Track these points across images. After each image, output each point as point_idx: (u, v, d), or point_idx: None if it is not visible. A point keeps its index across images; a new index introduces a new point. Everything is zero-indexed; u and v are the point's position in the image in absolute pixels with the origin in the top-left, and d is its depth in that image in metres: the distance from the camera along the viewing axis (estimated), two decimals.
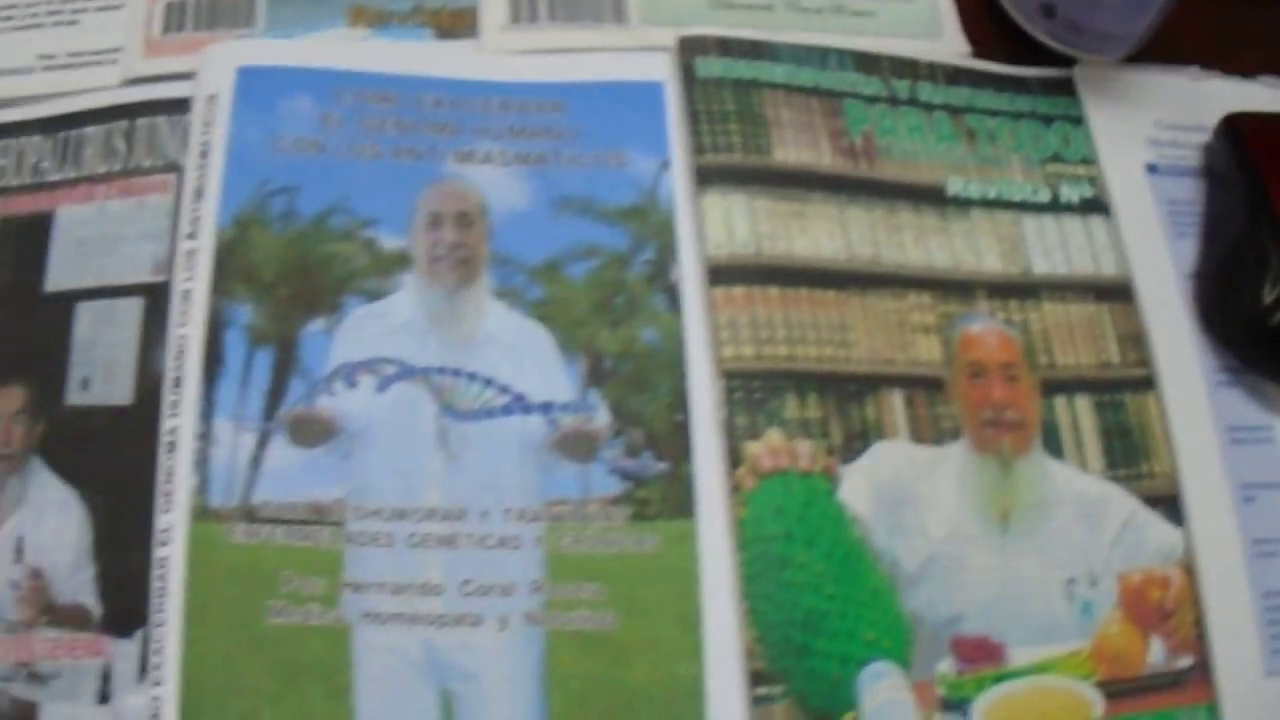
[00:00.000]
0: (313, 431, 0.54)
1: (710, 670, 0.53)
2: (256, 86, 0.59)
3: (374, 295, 0.57)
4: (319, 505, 0.53)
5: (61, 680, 0.54)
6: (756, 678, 0.53)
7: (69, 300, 0.59)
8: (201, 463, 0.54)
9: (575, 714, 0.52)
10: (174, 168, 0.61)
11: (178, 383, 0.55)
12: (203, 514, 0.53)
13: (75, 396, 0.58)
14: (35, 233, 0.61)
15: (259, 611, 0.52)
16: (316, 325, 0.56)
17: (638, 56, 0.61)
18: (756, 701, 0.52)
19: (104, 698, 0.54)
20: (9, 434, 0.58)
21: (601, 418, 0.55)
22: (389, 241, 0.57)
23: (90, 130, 0.62)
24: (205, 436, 0.54)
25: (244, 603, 0.52)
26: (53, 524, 0.56)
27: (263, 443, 0.54)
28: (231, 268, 0.56)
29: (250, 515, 0.53)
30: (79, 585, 0.55)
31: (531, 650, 0.53)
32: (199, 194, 0.57)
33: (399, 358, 0.56)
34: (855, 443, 0.56)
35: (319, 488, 0.54)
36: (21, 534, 0.56)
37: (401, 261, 0.57)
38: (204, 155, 0.58)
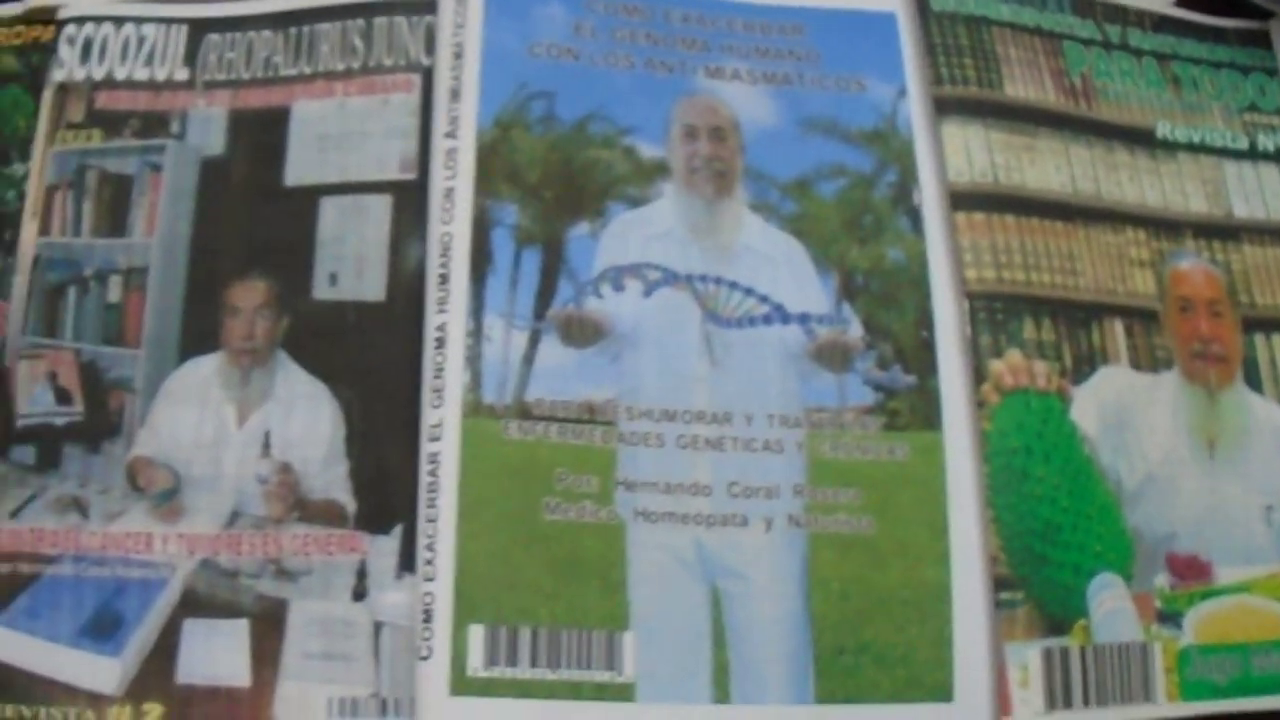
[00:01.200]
0: (584, 332, 0.53)
1: (956, 575, 0.53)
2: None
3: (635, 202, 0.56)
4: (592, 404, 0.53)
5: (313, 577, 0.53)
6: (999, 583, 0.54)
7: (312, 195, 0.57)
8: (473, 359, 0.52)
9: (834, 614, 0.52)
10: (416, 67, 0.58)
11: (444, 279, 0.53)
12: (475, 410, 0.52)
13: (322, 291, 0.56)
14: (271, 127, 0.58)
15: (535, 508, 0.51)
16: (581, 228, 0.55)
17: None
18: (1000, 605, 0.53)
19: (359, 595, 0.52)
20: (253, 327, 0.55)
21: (855, 330, 0.55)
22: (647, 150, 0.56)
23: (325, 27, 0.60)
24: (476, 334, 0.53)
25: (519, 499, 0.51)
26: (302, 419, 0.54)
27: (534, 341, 0.53)
28: (494, 168, 0.55)
29: (524, 412, 0.52)
30: (331, 481, 0.53)
31: (795, 551, 0.52)
32: (455, 94, 0.55)
33: (663, 264, 0.55)
34: (1083, 366, 0.57)
35: (591, 387, 0.53)
36: (268, 428, 0.54)
37: (661, 170, 0.56)
38: (458, 57, 0.56)
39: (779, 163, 0.57)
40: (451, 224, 0.54)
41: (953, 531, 0.54)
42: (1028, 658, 0.53)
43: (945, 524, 0.54)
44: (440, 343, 0.53)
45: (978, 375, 0.56)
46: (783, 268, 0.56)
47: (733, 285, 0.55)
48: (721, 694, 0.51)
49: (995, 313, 0.56)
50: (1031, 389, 0.56)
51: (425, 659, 0.50)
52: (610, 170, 0.56)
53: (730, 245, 0.56)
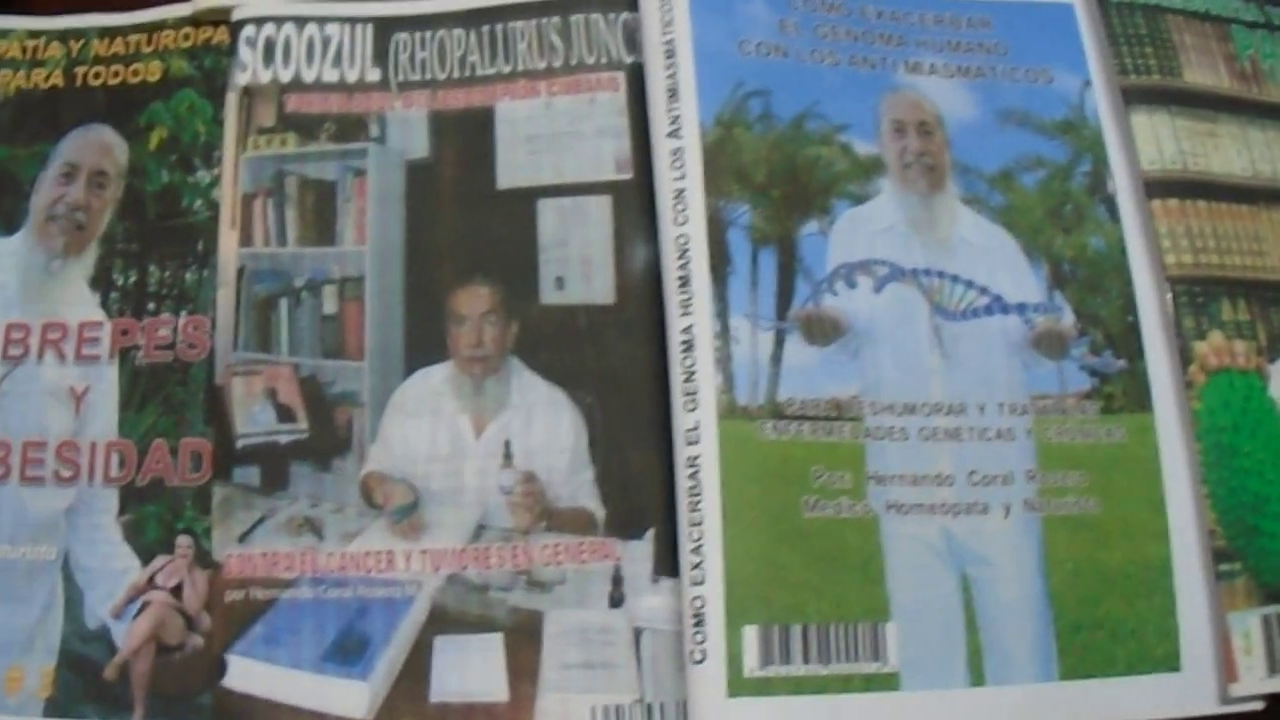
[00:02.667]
0: (824, 330, 0.52)
1: (1177, 550, 0.53)
2: None
3: (857, 198, 0.54)
4: (838, 401, 0.51)
5: (567, 586, 0.51)
6: (1218, 555, 0.54)
7: (528, 197, 0.54)
8: (723, 361, 0.51)
9: (1070, 594, 0.52)
10: (619, 65, 0.56)
11: (684, 282, 0.51)
12: (731, 412, 0.50)
13: (550, 295, 0.53)
14: (476, 128, 0.55)
15: (795, 506, 0.50)
16: (811, 226, 0.53)
17: None
18: (1220, 577, 0.53)
19: (616, 601, 0.50)
20: (481, 334, 0.53)
21: (1068, 318, 0.55)
22: (862, 147, 0.55)
23: (519, 24, 0.57)
24: (723, 335, 0.51)
25: (780, 498, 0.50)
26: (543, 426, 0.52)
27: (779, 341, 0.51)
28: (722, 167, 0.53)
29: (778, 412, 0.50)
30: (578, 488, 0.51)
31: (1032, 535, 0.52)
32: (673, 93, 0.53)
33: (889, 259, 0.53)
34: (1277, 344, 0.57)
35: (836, 385, 0.51)
36: (508, 437, 0.52)
37: (877, 166, 0.55)
38: (670, 55, 0.54)
39: (983, 155, 0.56)
40: (686, 225, 0.52)
41: (1171, 508, 0.54)
42: (1249, 625, 0.53)
43: (1163, 501, 0.54)
44: (688, 346, 0.51)
45: (1183, 357, 0.56)
46: (997, 259, 0.55)
47: (954, 278, 0.54)
48: (977, 677, 0.50)
49: (1195, 296, 0.56)
50: (1233, 368, 0.56)
51: (699, 662, 0.48)
52: (831, 167, 0.54)
53: (948, 238, 0.55)
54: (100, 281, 0.56)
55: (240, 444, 0.52)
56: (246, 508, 0.51)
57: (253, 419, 0.52)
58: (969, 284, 0.54)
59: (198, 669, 0.51)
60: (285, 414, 0.52)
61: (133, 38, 0.60)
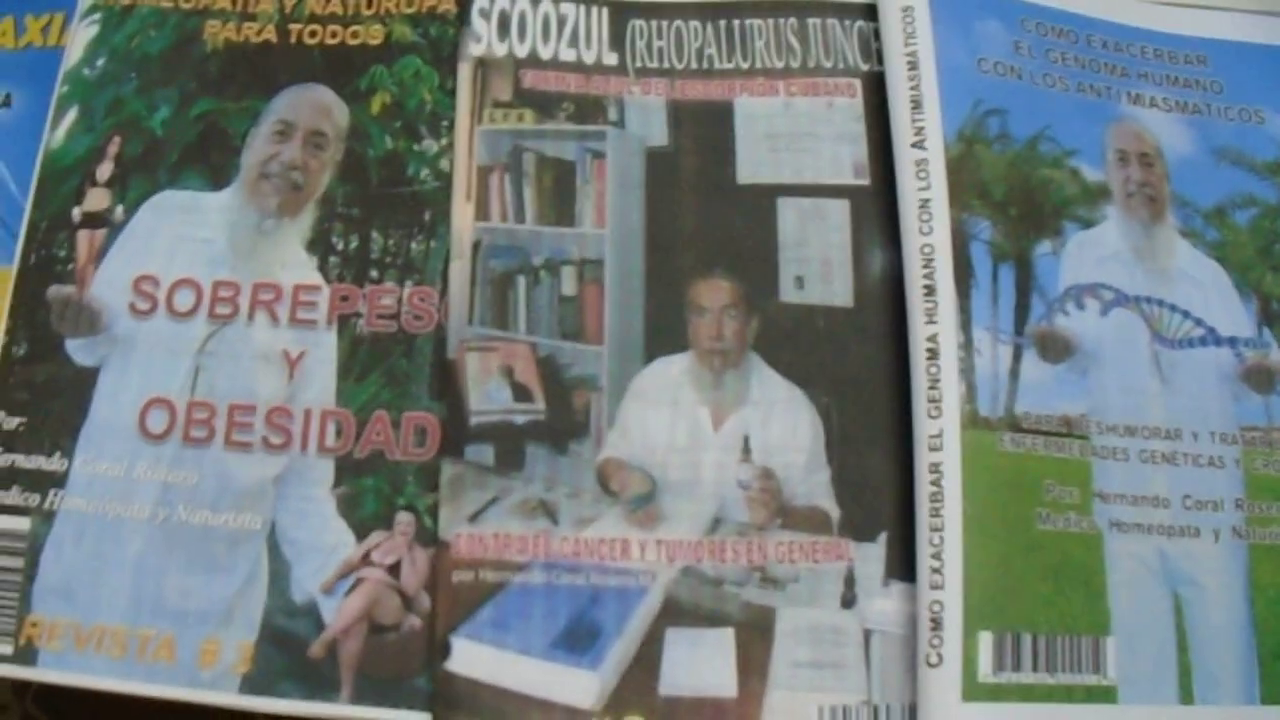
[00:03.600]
0: (1056, 348, 0.52)
1: None
2: (950, 4, 0.55)
3: (1085, 223, 0.55)
4: (1069, 418, 0.51)
5: (800, 585, 0.50)
6: None
7: (768, 194, 0.54)
8: (966, 372, 0.50)
9: (1273, 621, 0.53)
10: (855, 72, 0.55)
11: (930, 291, 0.51)
12: (973, 422, 0.50)
13: (789, 294, 0.52)
14: (715, 121, 0.54)
15: (1029, 518, 0.50)
16: (1044, 247, 0.54)
17: (1272, 21, 0.60)
18: None
19: (848, 602, 0.49)
20: (721, 327, 0.52)
21: (1275, 354, 0.55)
22: (1089, 173, 0.55)
23: (757, 23, 0.56)
24: (966, 346, 0.50)
25: (1016, 509, 0.50)
26: (781, 424, 0.51)
27: (1017, 356, 0.51)
28: (964, 182, 0.53)
29: (1015, 425, 0.51)
30: (814, 487, 0.51)
31: (1238, 561, 0.53)
32: (917, 105, 0.53)
33: (1114, 284, 0.54)
34: None
35: (1067, 402, 0.52)
36: (746, 432, 0.51)
37: (1103, 193, 0.55)
38: (913, 67, 0.54)
39: (1199, 190, 0.57)
40: (931, 235, 0.51)
41: None
42: None
43: None
44: (932, 354, 0.50)
45: None
46: (1211, 292, 0.56)
47: (1173, 308, 0.55)
48: (1186, 695, 0.51)
49: None
50: None
51: (935, 666, 0.48)
52: (1061, 190, 0.54)
53: (1167, 269, 0.55)
54: (318, 244, 0.54)
55: (474, 421, 0.50)
56: (479, 487, 0.49)
57: (488, 396, 0.50)
58: (1185, 314, 0.55)
59: (414, 651, 0.49)
60: (522, 393, 0.50)
61: None
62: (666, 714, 0.48)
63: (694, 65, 0.55)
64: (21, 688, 0.65)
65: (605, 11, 0.56)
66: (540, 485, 0.50)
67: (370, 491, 0.51)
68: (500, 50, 0.55)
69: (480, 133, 0.53)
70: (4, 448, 0.53)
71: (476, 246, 0.52)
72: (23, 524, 0.52)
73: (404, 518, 0.50)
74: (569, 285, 0.52)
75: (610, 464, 0.50)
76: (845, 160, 0.54)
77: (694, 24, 0.56)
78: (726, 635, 0.49)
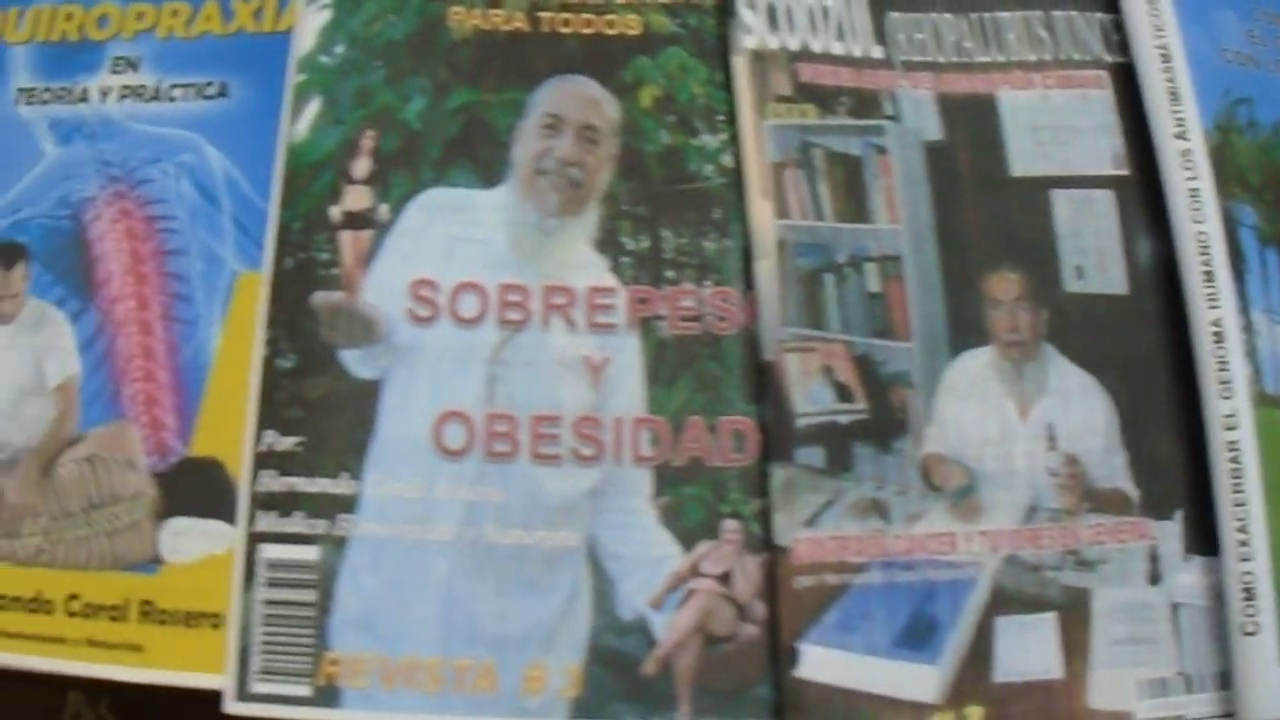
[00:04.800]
0: None
1: None
2: None
3: None
4: None
5: (1109, 565, 0.51)
6: None
7: (1040, 187, 0.54)
8: (1250, 353, 0.51)
9: None
10: (1101, 64, 0.56)
11: (1208, 277, 0.51)
12: (1261, 400, 0.51)
13: (1072, 284, 0.53)
14: (982, 114, 0.54)
15: None
16: None
17: None
18: None
19: (1154, 579, 0.50)
20: (1015, 320, 0.51)
21: None
22: None
23: (1005, 15, 0.55)
24: (1248, 328, 0.51)
25: None
26: (1079, 411, 0.52)
27: None
28: (1224, 170, 0.54)
29: None
30: (1114, 470, 0.51)
31: None
32: (1175, 96, 0.53)
33: None
34: None
35: None
36: (1050, 420, 0.50)
37: None
38: (1165, 59, 0.54)
39: None
40: (1204, 224, 0.52)
41: None
42: None
43: None
44: (1218, 337, 0.51)
45: None
46: None
47: None
48: None
49: None
50: None
51: (1252, 634, 0.49)
52: None
53: None
54: (608, 245, 0.51)
55: (800, 423, 0.48)
56: (812, 490, 0.48)
57: (812, 398, 0.48)
58: None
59: (751, 661, 0.47)
60: (843, 393, 0.49)
61: None
62: (1002, 700, 0.48)
63: (955, 58, 0.54)
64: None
65: (864, 3, 0.54)
66: (870, 485, 0.48)
67: (693, 500, 0.48)
68: (773, 43, 0.52)
69: (767, 128, 0.51)
70: (279, 471, 0.48)
71: (782, 245, 0.49)
72: (310, 553, 0.48)
73: (730, 525, 0.48)
74: (873, 282, 0.50)
75: (931, 459, 0.49)
76: (1105, 151, 0.54)
77: (948, 17, 0.55)
78: (1049, 619, 0.49)
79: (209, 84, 0.55)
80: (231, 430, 0.50)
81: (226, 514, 0.49)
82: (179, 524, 0.50)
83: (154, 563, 0.50)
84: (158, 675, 0.49)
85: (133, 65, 0.56)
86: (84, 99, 0.56)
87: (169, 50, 0.56)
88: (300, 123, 0.52)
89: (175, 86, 0.55)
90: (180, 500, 0.50)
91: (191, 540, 0.50)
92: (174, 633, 0.49)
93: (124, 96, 0.56)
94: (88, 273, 0.53)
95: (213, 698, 0.48)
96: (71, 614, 0.50)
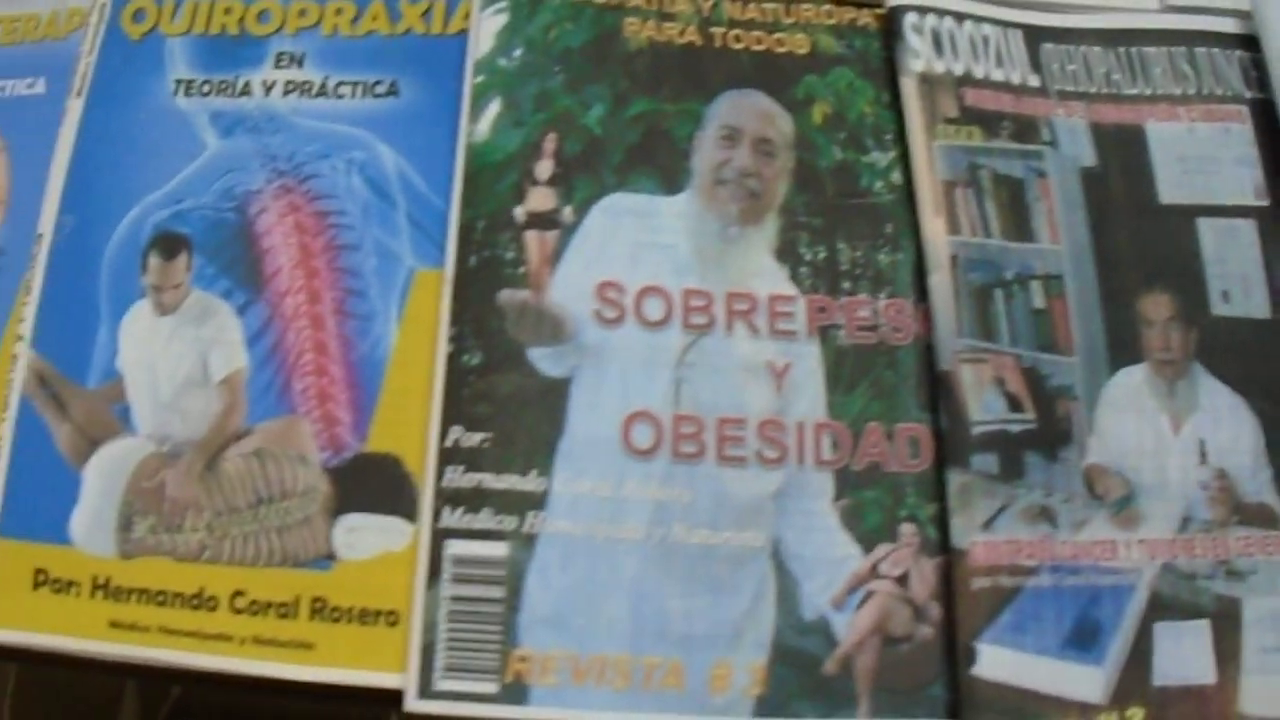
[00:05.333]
0: None
1: None
2: None
3: None
4: None
5: (1258, 576, 0.54)
6: None
7: (1187, 214, 0.57)
8: None
9: None
10: (1240, 99, 0.59)
11: None
12: None
13: (1219, 308, 0.56)
14: (1131, 144, 0.57)
15: None
16: None
17: None
18: None
19: None
20: (1168, 339, 0.55)
21: None
22: None
23: (1151, 50, 0.59)
24: None
25: None
26: (1228, 428, 0.55)
27: None
28: None
29: None
30: (1260, 485, 0.55)
31: None
32: None
33: None
34: None
35: None
36: (1201, 436, 0.54)
37: None
38: None
39: None
40: None
41: None
42: None
43: None
44: None
45: None
46: None
47: None
48: None
49: None
50: None
51: None
52: None
53: None
54: (787, 254, 0.53)
55: (976, 431, 0.51)
56: (987, 495, 0.50)
57: (985, 406, 0.51)
58: None
59: (927, 660, 0.49)
60: (1014, 403, 0.51)
61: (768, 5, 0.58)
62: (1161, 704, 0.50)
63: (1105, 89, 0.58)
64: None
65: (1020, 34, 0.58)
66: (1039, 492, 0.51)
67: (872, 503, 0.50)
68: (939, 67, 0.56)
69: (937, 148, 0.54)
70: (467, 466, 0.49)
71: (954, 260, 0.52)
72: (499, 549, 0.49)
73: (908, 529, 0.50)
74: (1038, 299, 0.53)
75: (1094, 469, 0.52)
76: (1246, 182, 0.58)
77: (1097, 49, 0.58)
78: (1203, 626, 0.52)
79: (378, 82, 0.56)
80: (410, 426, 0.51)
81: (405, 510, 0.50)
82: (354, 520, 0.51)
83: (327, 559, 0.51)
84: (329, 673, 0.49)
85: (297, 61, 0.58)
86: (246, 92, 0.57)
87: (334, 47, 0.58)
88: (480, 123, 0.54)
89: (342, 84, 0.57)
90: (356, 496, 0.51)
91: (367, 536, 0.51)
92: (347, 630, 0.50)
93: (289, 91, 0.57)
94: (255, 266, 0.54)
95: None
96: (237, 611, 0.50)
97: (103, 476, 0.53)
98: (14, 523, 0.52)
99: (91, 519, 0.52)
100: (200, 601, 0.51)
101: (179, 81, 0.58)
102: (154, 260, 0.55)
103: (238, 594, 0.50)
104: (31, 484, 0.53)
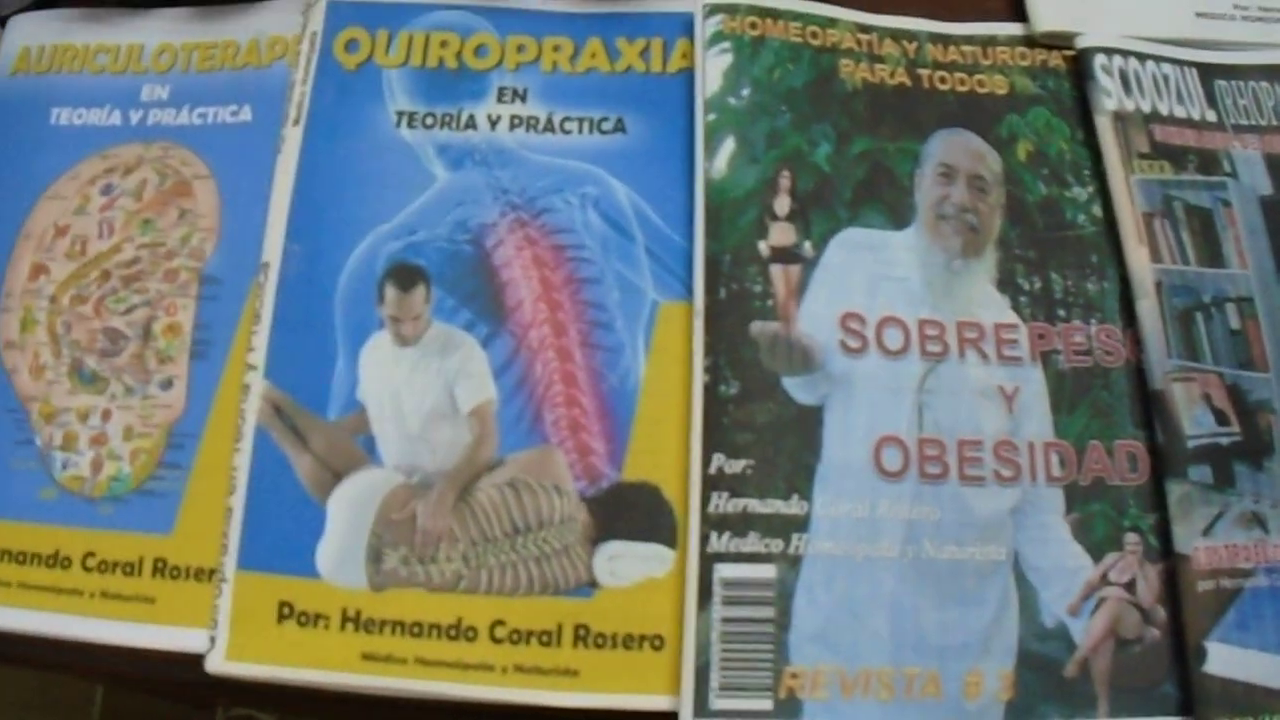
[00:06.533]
0: None
1: None
2: None
3: None
4: None
5: None
6: None
7: None
8: None
9: None
10: None
11: None
12: None
13: None
14: None
15: None
16: None
17: None
18: None
19: None
20: None
21: None
22: None
23: None
24: None
25: None
26: None
27: None
28: None
29: None
30: None
31: None
32: None
33: None
34: None
35: None
36: None
37: None
38: None
39: None
40: None
41: None
42: None
43: None
44: None
45: None
46: None
47: None
48: None
49: None
50: None
51: None
52: None
53: None
54: (1007, 285, 0.59)
55: (1191, 444, 0.57)
56: (1205, 504, 0.57)
57: (1196, 421, 0.58)
58: None
59: (1158, 660, 0.56)
60: (1221, 418, 0.58)
61: (966, 48, 0.63)
62: None
63: (1274, 122, 0.65)
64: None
65: (1195, 71, 0.65)
66: (1249, 499, 0.58)
67: (1099, 516, 0.57)
68: (1129, 105, 0.62)
69: (1135, 182, 0.61)
70: (731, 493, 0.54)
71: (1158, 286, 0.59)
72: (768, 571, 0.54)
73: (1132, 538, 0.57)
74: (1234, 320, 0.60)
75: None
76: None
77: (1264, 84, 0.66)
78: None
79: (604, 119, 0.61)
80: (666, 455, 0.56)
81: (665, 537, 0.55)
82: (614, 548, 0.56)
83: (589, 587, 0.55)
84: (595, 699, 0.53)
85: (520, 96, 0.62)
86: (471, 126, 0.62)
87: (555, 84, 0.62)
88: (717, 160, 0.59)
89: (568, 120, 0.61)
90: (615, 524, 0.55)
91: (628, 564, 0.55)
92: (612, 656, 0.54)
93: (514, 126, 0.61)
94: (495, 298, 0.59)
95: None
96: (497, 640, 0.54)
97: (350, 508, 0.57)
98: (256, 555, 0.56)
99: (339, 551, 0.56)
100: (458, 632, 0.54)
101: (400, 113, 0.62)
102: (391, 291, 0.59)
103: (498, 623, 0.54)
104: (272, 516, 0.56)
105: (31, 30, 0.71)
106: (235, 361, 0.60)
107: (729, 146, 0.59)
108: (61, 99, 0.68)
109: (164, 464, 0.60)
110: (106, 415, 0.61)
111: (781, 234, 0.58)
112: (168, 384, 0.61)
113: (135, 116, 0.67)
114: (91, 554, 0.58)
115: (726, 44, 0.61)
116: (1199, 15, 0.66)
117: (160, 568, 0.58)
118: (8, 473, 0.60)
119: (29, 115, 0.68)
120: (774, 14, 0.62)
